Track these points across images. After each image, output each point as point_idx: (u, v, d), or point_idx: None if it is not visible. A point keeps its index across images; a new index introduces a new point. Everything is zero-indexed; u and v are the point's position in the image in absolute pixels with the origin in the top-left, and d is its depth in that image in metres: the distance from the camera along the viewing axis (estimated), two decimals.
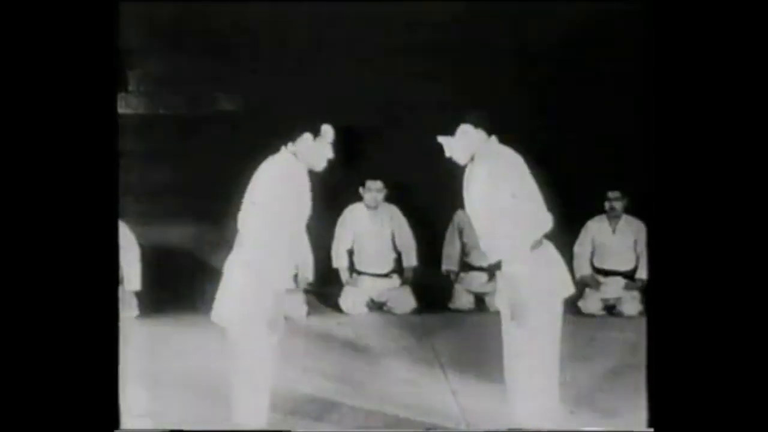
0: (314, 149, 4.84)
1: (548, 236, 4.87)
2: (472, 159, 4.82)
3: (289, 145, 4.87)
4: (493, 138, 4.84)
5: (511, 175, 4.74)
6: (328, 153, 4.86)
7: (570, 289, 4.89)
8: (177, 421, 4.95)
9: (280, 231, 4.72)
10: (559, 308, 4.83)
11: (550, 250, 4.84)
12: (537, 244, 4.77)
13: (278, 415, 5.06)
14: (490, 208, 4.72)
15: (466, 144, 4.82)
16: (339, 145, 4.89)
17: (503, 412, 5.00)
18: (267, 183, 4.80)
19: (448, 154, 4.84)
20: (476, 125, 4.81)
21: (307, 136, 4.85)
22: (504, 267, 4.75)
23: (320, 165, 4.86)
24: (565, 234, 7.38)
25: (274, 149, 4.91)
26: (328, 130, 4.87)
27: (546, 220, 4.81)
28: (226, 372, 4.97)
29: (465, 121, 4.83)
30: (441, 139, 4.83)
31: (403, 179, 7.56)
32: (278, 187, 4.77)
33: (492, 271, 4.89)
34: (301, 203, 4.79)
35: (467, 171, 4.84)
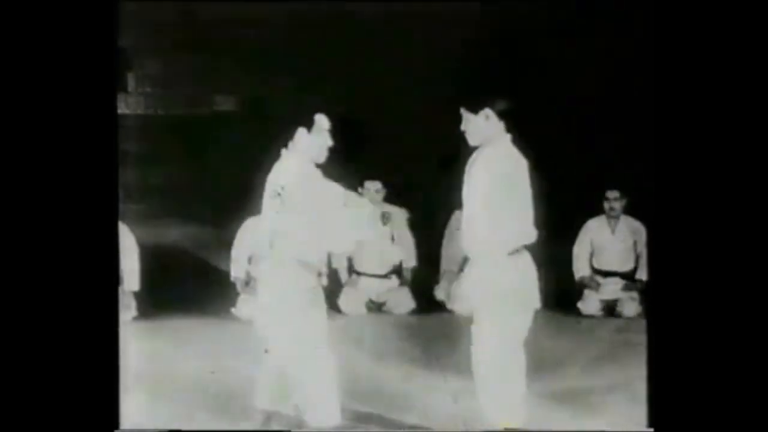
0: (312, 142, 4.87)
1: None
2: (481, 145, 4.79)
3: (290, 145, 4.89)
4: (508, 136, 4.81)
5: (512, 177, 4.72)
6: (327, 141, 4.89)
7: (536, 305, 4.81)
8: (177, 421, 4.95)
9: (310, 223, 4.78)
10: (524, 319, 4.77)
11: (526, 260, 4.78)
12: (514, 252, 4.73)
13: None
14: (482, 201, 4.69)
15: (483, 128, 4.77)
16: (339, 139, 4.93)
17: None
18: (283, 187, 4.84)
19: (463, 128, 4.80)
20: (500, 116, 4.79)
21: (301, 131, 4.87)
22: (475, 266, 4.74)
23: (322, 156, 4.88)
24: (564, 234, 7.43)
25: (273, 149, 4.92)
26: (321, 119, 4.89)
27: (530, 233, 4.77)
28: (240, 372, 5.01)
29: (492, 107, 4.80)
30: (463, 111, 4.79)
31: (402, 180, 7.56)
32: (294, 189, 4.81)
33: (461, 267, 4.87)
34: (323, 192, 4.83)
35: (472, 157, 4.80)
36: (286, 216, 4.82)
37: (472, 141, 4.80)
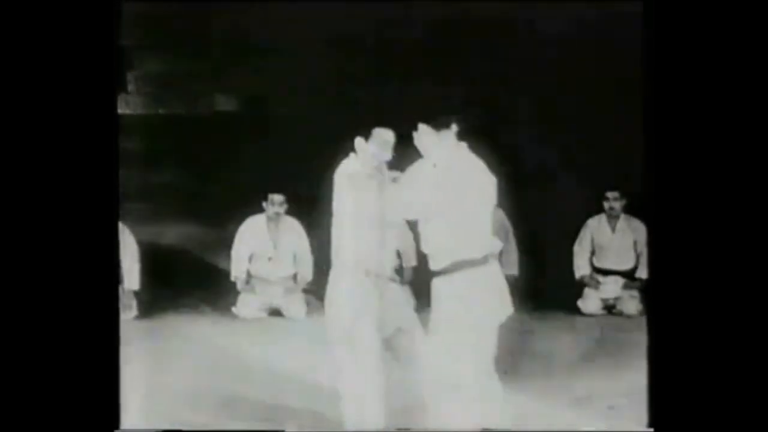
0: (370, 151, 4.94)
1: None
2: (437, 159, 4.73)
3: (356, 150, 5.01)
4: (463, 144, 4.74)
5: (466, 187, 4.65)
6: (386, 154, 4.94)
7: (502, 316, 4.73)
8: (176, 421, 4.95)
9: (363, 227, 4.90)
10: (489, 330, 4.70)
11: (492, 270, 4.71)
12: (478, 263, 4.65)
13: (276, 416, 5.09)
14: (437, 212, 4.64)
15: (435, 143, 4.71)
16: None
17: (501, 411, 5.03)
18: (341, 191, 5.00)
19: (416, 143, 4.78)
20: (459, 135, 4.73)
21: (359, 140, 4.96)
22: (434, 278, 4.71)
23: (381, 165, 4.93)
24: (564, 233, 7.44)
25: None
26: (381, 133, 4.96)
27: (491, 244, 4.73)
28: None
29: (443, 123, 4.73)
30: (420, 131, 4.77)
31: None
32: (351, 191, 4.93)
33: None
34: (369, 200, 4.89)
35: (427, 169, 4.75)
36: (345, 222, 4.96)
37: (425, 156, 4.75)
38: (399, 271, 7.61)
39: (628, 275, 7.38)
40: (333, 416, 5.15)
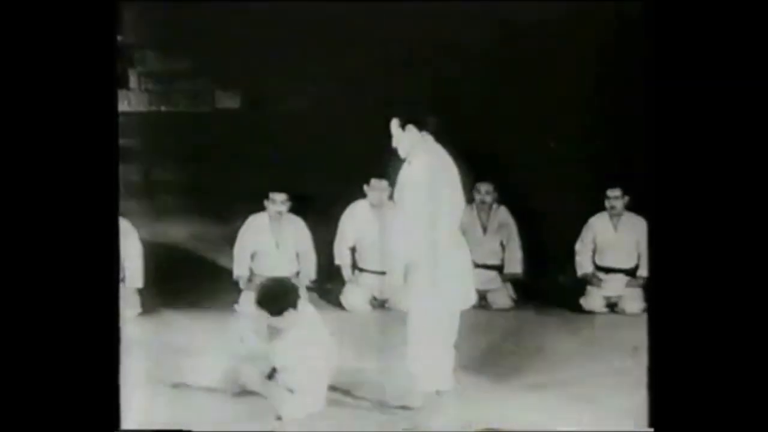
0: None
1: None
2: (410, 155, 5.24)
3: None
4: (428, 136, 5.24)
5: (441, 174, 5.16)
6: None
7: (467, 303, 5.33)
8: (178, 420, 4.96)
9: None
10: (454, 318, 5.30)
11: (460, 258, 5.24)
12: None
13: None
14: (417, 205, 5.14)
15: (409, 141, 5.22)
16: None
17: (504, 410, 5.03)
18: None
19: (394, 144, 5.26)
20: (420, 127, 5.23)
21: None
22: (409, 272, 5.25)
23: None
24: (566, 232, 7.44)
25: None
26: None
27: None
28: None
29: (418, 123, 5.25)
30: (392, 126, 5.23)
31: None
32: None
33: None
34: None
35: (404, 166, 5.28)
36: None
37: (402, 154, 5.27)
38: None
39: (631, 273, 7.38)
40: (332, 415, 5.18)
